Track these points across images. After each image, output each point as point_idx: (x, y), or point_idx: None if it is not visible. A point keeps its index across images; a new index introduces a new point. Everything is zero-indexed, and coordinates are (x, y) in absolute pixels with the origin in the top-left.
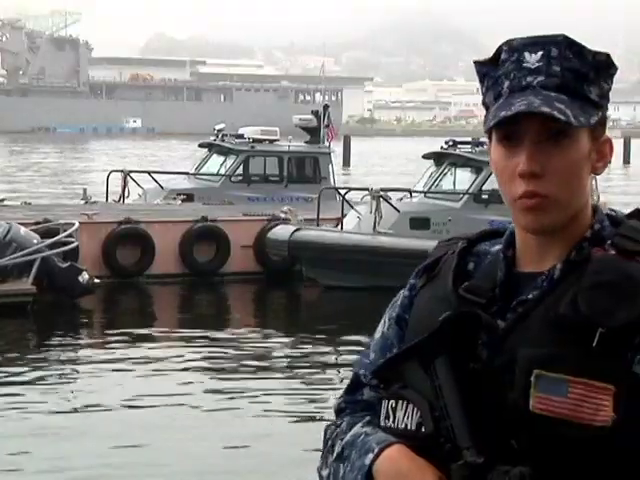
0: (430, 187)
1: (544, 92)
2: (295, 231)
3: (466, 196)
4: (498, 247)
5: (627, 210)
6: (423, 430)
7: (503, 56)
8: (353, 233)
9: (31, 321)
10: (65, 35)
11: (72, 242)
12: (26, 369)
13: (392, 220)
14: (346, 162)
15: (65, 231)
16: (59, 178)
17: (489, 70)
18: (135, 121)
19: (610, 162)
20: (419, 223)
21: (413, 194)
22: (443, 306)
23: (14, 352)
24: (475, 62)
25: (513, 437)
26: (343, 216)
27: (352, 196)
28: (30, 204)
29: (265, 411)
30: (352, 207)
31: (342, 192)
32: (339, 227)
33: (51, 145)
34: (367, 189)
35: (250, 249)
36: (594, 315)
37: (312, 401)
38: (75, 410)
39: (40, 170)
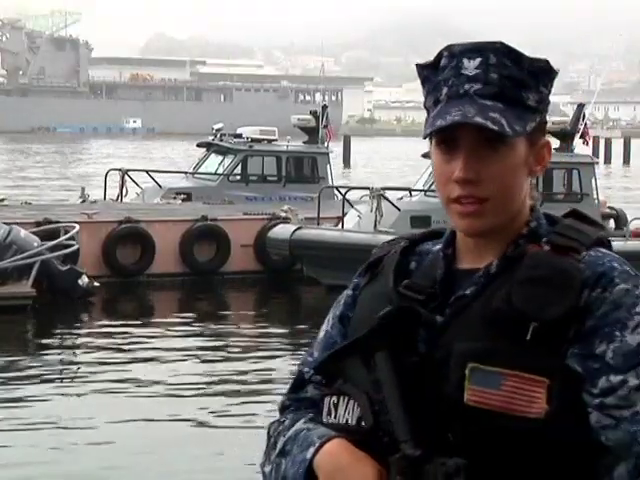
0: (430, 186)
1: (480, 101)
2: (296, 230)
3: None
4: (439, 246)
5: (627, 210)
6: (363, 425)
7: (443, 62)
8: (354, 232)
9: (31, 319)
10: (65, 35)
11: (72, 245)
12: (26, 369)
13: (393, 219)
14: (346, 162)
15: (66, 233)
16: (58, 178)
17: (430, 74)
18: (135, 121)
19: (546, 166)
20: (420, 221)
21: (413, 193)
22: (384, 303)
23: (14, 352)
24: (417, 65)
25: (450, 430)
26: (344, 215)
27: (350, 195)
28: (30, 204)
29: (265, 409)
30: (352, 206)
31: (342, 191)
32: (340, 226)
33: (51, 145)
34: (368, 188)
35: (250, 248)
36: (527, 309)
37: None
38: (76, 405)
39: (40, 170)
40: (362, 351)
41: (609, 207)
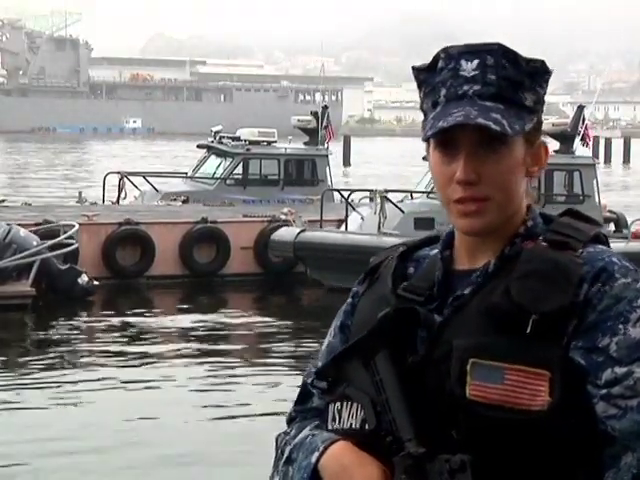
0: (433, 188)
1: (480, 102)
2: (300, 232)
3: None
4: (437, 250)
5: (627, 210)
6: (367, 427)
7: (440, 64)
8: (359, 234)
9: (31, 322)
10: (65, 35)
11: (72, 244)
12: (25, 370)
13: (396, 220)
14: (346, 162)
15: (65, 233)
16: (58, 179)
17: (427, 77)
18: (135, 121)
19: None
20: (424, 223)
21: (415, 195)
22: (382, 306)
23: (13, 352)
24: (413, 68)
25: (453, 427)
26: (347, 217)
27: (351, 197)
28: (30, 205)
29: (265, 412)
30: (354, 209)
31: (345, 194)
32: (343, 228)
33: (51, 145)
34: (370, 190)
35: (250, 250)
36: (526, 302)
37: None
38: (75, 407)
39: (40, 171)
40: (362, 353)
41: (609, 211)
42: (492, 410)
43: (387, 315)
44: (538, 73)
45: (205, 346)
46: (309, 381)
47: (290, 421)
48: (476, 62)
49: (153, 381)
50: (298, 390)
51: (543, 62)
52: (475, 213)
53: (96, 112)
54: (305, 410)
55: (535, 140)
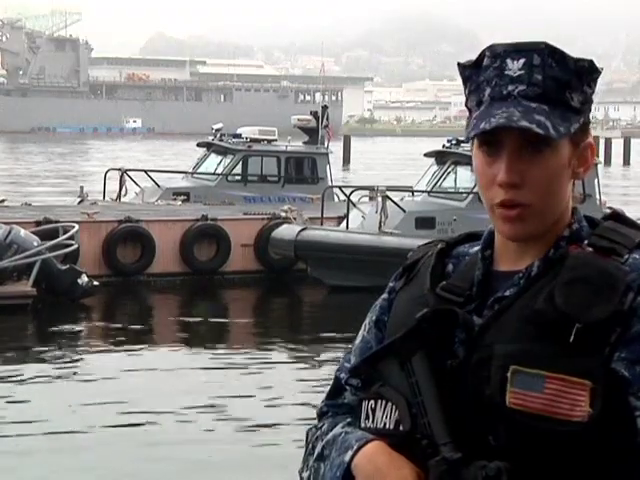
0: (433, 186)
1: (524, 102)
2: (301, 231)
3: (471, 195)
4: (477, 248)
5: (627, 209)
6: (401, 428)
7: (485, 62)
8: (360, 233)
9: (31, 320)
10: (65, 35)
11: (72, 244)
12: (25, 369)
13: (398, 220)
14: (346, 162)
15: (65, 233)
16: (58, 178)
17: (472, 74)
18: (135, 121)
19: (593, 165)
20: (425, 223)
21: (416, 193)
22: (420, 306)
23: (13, 352)
24: (459, 64)
25: (491, 433)
26: (348, 216)
27: (353, 196)
28: (30, 205)
29: (264, 407)
30: (355, 205)
31: (347, 191)
32: (342, 226)
33: (51, 145)
34: (372, 188)
35: (250, 248)
36: (571, 310)
37: (314, 400)
38: (75, 409)
39: (40, 170)
40: (399, 354)
41: (609, 207)
42: (531, 419)
43: (425, 316)
44: (586, 73)
45: (205, 343)
46: (342, 377)
47: (321, 415)
48: (522, 61)
49: (152, 379)
50: (330, 384)
51: (591, 62)
52: (517, 219)
53: (96, 112)
54: (336, 405)
55: (581, 141)
